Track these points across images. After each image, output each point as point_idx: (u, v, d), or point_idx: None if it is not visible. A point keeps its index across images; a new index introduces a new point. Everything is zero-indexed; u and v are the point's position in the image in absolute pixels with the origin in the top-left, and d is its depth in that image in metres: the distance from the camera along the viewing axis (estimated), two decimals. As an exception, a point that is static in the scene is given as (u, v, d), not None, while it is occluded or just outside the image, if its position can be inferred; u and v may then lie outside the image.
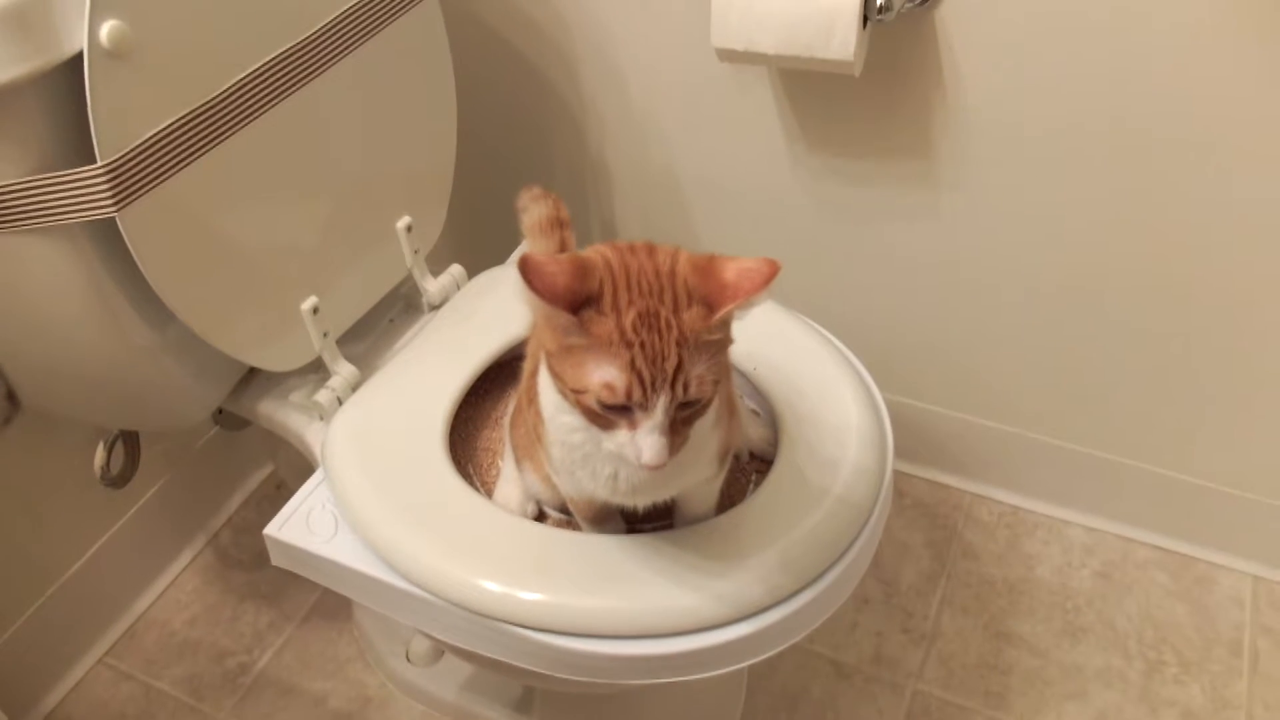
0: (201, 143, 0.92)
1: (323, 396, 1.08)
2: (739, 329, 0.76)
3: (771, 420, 1.07)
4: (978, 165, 1.27)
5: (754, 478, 1.07)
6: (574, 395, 0.72)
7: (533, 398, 0.86)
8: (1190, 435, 1.37)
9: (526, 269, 0.67)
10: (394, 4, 1.08)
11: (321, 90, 1.03)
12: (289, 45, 0.98)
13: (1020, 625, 1.39)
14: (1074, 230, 1.27)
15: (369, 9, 1.05)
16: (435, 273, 1.22)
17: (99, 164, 0.84)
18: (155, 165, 0.88)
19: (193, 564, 1.52)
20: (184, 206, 0.92)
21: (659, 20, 1.32)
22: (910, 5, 1.15)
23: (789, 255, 1.44)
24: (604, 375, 0.70)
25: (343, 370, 1.11)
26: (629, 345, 0.69)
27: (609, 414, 0.72)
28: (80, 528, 1.37)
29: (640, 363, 0.69)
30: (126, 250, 0.89)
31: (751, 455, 1.08)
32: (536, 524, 0.99)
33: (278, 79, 0.97)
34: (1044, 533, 1.50)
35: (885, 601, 1.42)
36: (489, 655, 0.93)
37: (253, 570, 1.51)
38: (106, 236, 0.90)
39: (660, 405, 0.70)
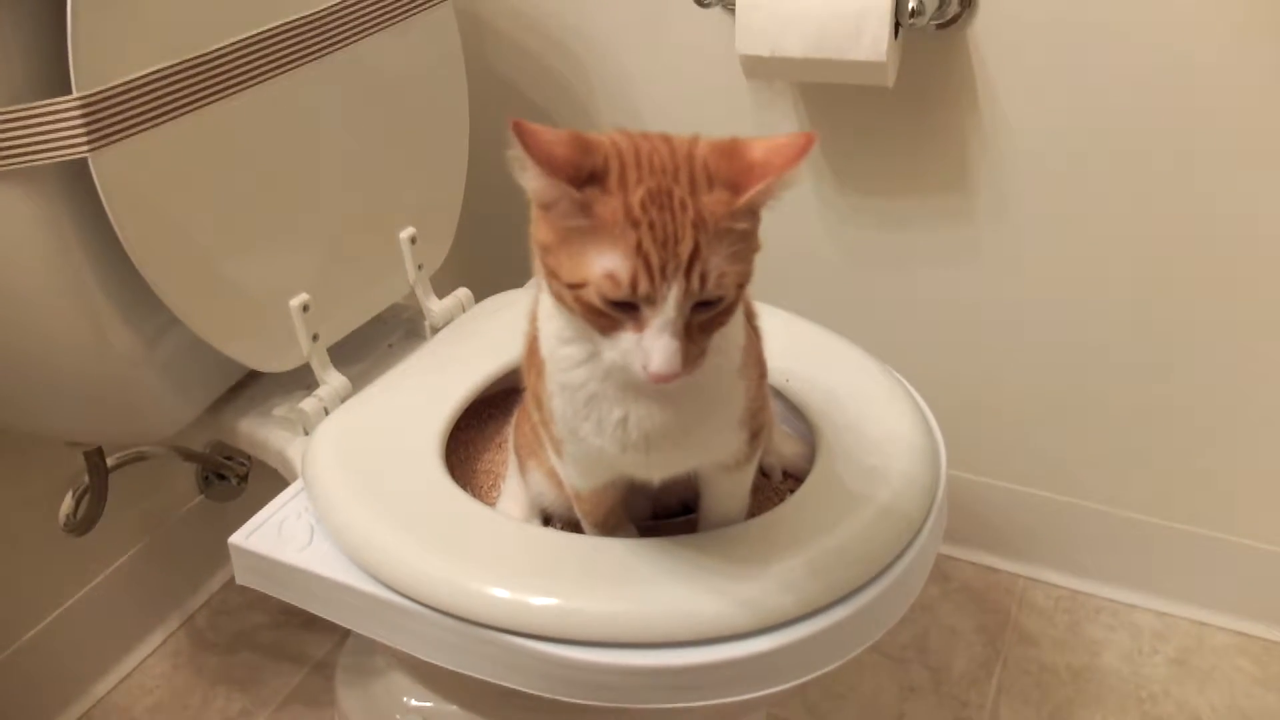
0: (189, 99, 0.86)
1: (309, 405, 0.99)
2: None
3: (807, 437, 0.96)
4: (1019, 198, 1.20)
5: (787, 498, 0.95)
6: (572, 294, 0.62)
7: (534, 360, 0.76)
8: (1270, 502, 1.24)
9: (521, 131, 0.59)
10: (405, 1, 1.05)
11: (323, 74, 0.98)
12: (293, 19, 0.93)
13: (1090, 715, 1.22)
14: (1128, 271, 1.19)
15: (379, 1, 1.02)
16: (441, 295, 1.14)
17: (74, 96, 0.77)
18: (136, 111, 0.81)
19: (163, 647, 1.38)
20: (164, 163, 0.85)
21: (677, 61, 1.29)
22: (940, 21, 1.11)
23: (815, 309, 1.35)
24: (606, 263, 0.60)
25: (333, 380, 1.01)
26: (635, 225, 0.59)
27: (613, 312, 0.61)
28: (38, 590, 1.24)
29: (648, 245, 0.59)
30: (101, 215, 0.82)
31: (785, 475, 0.97)
32: (539, 528, 0.87)
33: (277, 51, 0.92)
34: (1108, 617, 1.34)
35: (934, 690, 1.26)
36: (485, 677, 0.80)
37: (227, 654, 1.37)
38: (79, 194, 0.83)
39: (672, 298, 0.59)
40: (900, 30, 1.09)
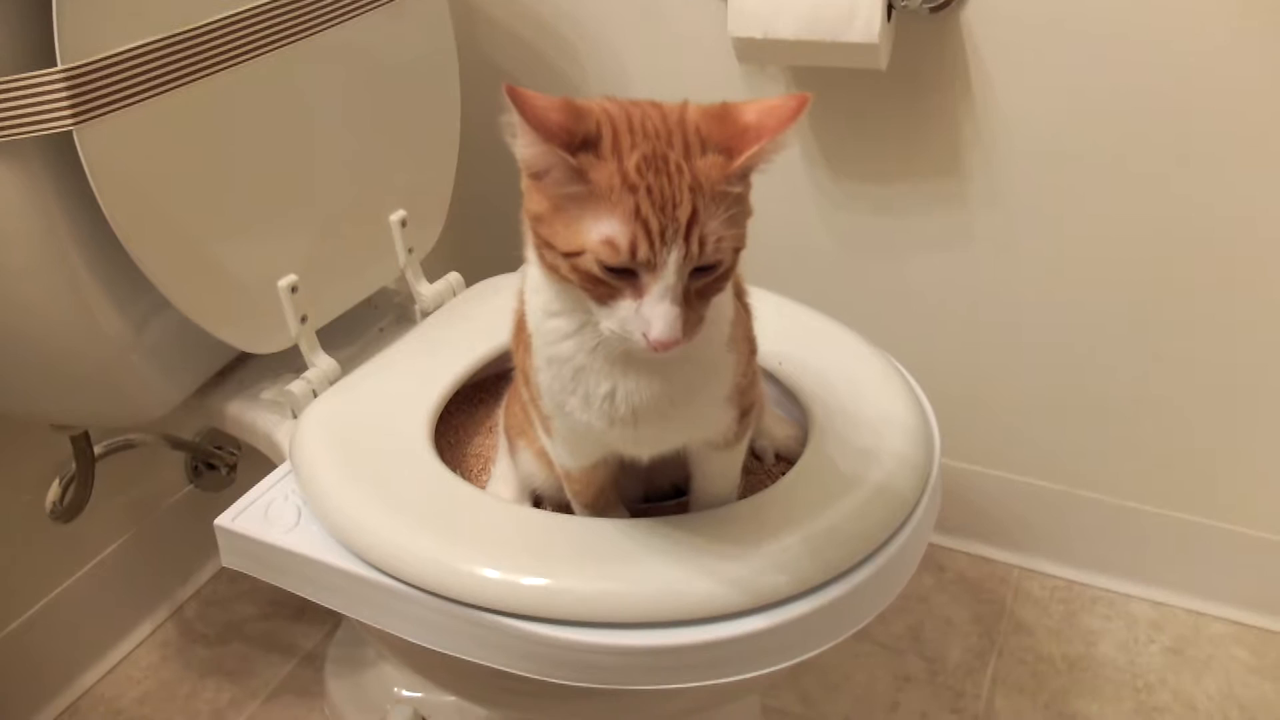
0: (176, 75, 0.85)
1: (297, 387, 0.97)
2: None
3: (799, 420, 0.96)
4: (1012, 183, 1.19)
5: (779, 479, 0.94)
6: (568, 263, 0.61)
7: (522, 335, 0.75)
8: (1264, 489, 1.23)
9: (516, 96, 0.58)
10: (396, -18, 1.04)
11: (314, 54, 0.97)
12: (281, -3, 0.93)
13: (1086, 705, 1.21)
14: (1122, 259, 1.18)
15: (369, -20, 1.01)
16: (431, 280, 1.13)
17: (58, 68, 0.76)
18: (122, 85, 0.81)
19: (152, 638, 1.36)
20: (150, 139, 0.84)
21: (670, 44, 1.28)
22: (933, 4, 1.10)
23: (807, 294, 1.33)
24: (604, 229, 0.59)
25: (321, 363, 1.00)
26: (632, 190, 0.59)
27: (611, 279, 0.60)
28: (25, 579, 1.22)
29: (646, 210, 0.58)
30: (86, 193, 0.81)
31: (778, 457, 0.96)
32: (529, 508, 0.86)
33: (267, 28, 0.92)
34: (1104, 607, 1.33)
35: (930, 680, 1.25)
36: (474, 659, 0.79)
37: (217, 645, 1.35)
38: (64, 171, 0.82)
39: (672, 263, 0.59)
40: (893, 13, 1.09)
